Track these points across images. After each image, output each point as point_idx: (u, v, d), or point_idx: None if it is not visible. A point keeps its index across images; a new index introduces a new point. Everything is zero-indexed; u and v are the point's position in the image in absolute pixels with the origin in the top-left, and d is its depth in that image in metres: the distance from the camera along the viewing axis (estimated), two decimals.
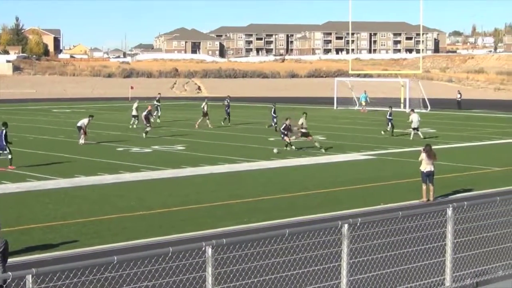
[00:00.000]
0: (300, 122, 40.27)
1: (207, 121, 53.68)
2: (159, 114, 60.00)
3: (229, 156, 36.51)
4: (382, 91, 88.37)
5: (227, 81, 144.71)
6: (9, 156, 31.62)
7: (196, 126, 53.12)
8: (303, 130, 40.38)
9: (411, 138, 45.62)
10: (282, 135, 39.17)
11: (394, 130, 48.91)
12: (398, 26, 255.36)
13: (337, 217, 19.43)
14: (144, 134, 45.49)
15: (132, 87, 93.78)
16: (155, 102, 60.56)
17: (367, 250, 13.63)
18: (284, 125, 39.14)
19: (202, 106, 54.39)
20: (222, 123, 55.95)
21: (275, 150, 37.94)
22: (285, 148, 38.84)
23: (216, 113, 61.20)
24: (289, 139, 38.99)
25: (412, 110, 48.13)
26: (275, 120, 50.73)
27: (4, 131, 31.69)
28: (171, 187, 27.84)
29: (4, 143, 31.51)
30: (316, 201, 24.87)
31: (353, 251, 12.06)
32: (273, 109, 52.15)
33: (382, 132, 49.15)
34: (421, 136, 45.36)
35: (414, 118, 45.64)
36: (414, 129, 45.89)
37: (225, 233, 19.01)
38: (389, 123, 49.04)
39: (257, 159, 35.64)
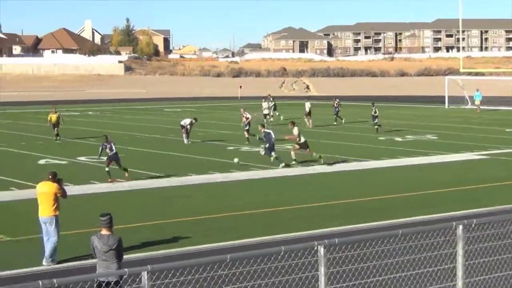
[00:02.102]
0: (295, 133, 33.77)
1: (310, 120, 53.40)
2: (277, 113, 59.96)
3: (342, 155, 36.20)
4: (495, 90, 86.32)
5: (336, 80, 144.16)
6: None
7: (310, 125, 52.91)
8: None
9: None
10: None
11: None
12: (510, 23, 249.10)
13: (451, 218, 19.01)
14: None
15: (240, 86, 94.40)
16: (270, 102, 60.13)
17: (482, 252, 13.24)
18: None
19: (305, 106, 54.28)
20: (335, 123, 55.49)
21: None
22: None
23: (322, 112, 60.92)
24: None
25: None
26: (376, 120, 49.90)
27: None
28: (280, 186, 27.83)
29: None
30: (428, 201, 24.41)
31: (468, 252, 11.73)
32: (374, 109, 51.05)
33: None
34: None
35: None
36: None
37: (333, 233, 18.85)
38: None
39: (367, 158, 35.25)
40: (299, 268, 11.65)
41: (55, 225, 16.44)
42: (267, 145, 32.82)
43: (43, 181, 17.05)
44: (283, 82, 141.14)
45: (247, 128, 42.80)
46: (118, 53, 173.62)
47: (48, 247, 16.34)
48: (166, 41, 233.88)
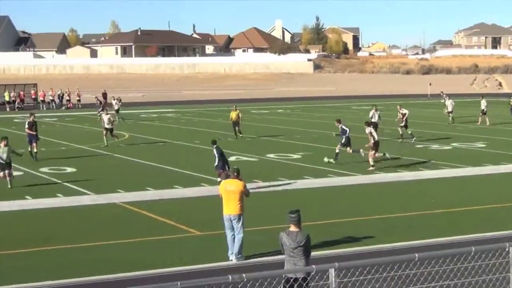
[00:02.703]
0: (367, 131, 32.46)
1: (486, 118, 51.68)
2: (448, 110, 58.46)
3: None
4: None
5: None
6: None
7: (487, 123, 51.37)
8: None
9: None
10: None
11: None
12: None
13: None
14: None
15: (430, 84, 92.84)
16: (444, 98, 58.84)
17: None
18: None
19: (480, 103, 52.77)
20: None
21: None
22: None
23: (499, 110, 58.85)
24: None
25: None
26: None
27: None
28: (469, 185, 27.18)
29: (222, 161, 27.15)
30: None
31: None
32: None
33: None
34: None
35: None
36: None
37: None
38: None
39: None
40: (489, 269, 11.32)
41: (241, 222, 16.77)
42: (342, 141, 32.69)
43: (228, 179, 17.28)
44: (475, 79, 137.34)
45: (402, 124, 42.04)
46: (307, 51, 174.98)
47: (236, 244, 16.68)
48: (356, 39, 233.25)
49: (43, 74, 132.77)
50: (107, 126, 40.59)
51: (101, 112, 58.63)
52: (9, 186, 27.25)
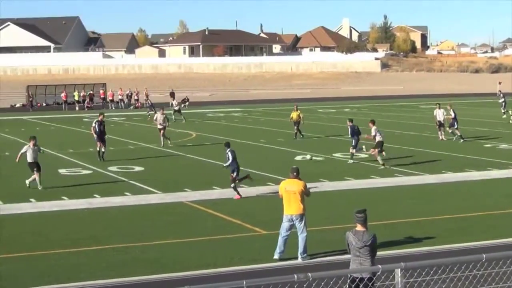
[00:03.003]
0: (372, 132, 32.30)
1: None
2: (504, 110, 57.67)
3: None
4: None
5: None
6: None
7: None
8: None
9: None
10: None
11: None
12: None
13: None
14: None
15: (500, 82, 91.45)
16: (501, 98, 58.16)
17: None
18: None
19: None
20: None
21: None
22: None
23: None
24: None
25: None
26: None
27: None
28: None
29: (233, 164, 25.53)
30: None
31: None
32: None
33: None
34: None
35: None
36: None
37: None
38: None
39: None
40: None
41: (304, 222, 16.66)
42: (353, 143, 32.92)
43: (288, 178, 16.98)
44: None
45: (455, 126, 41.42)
46: (375, 50, 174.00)
47: (300, 244, 16.59)
48: (424, 37, 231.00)
49: (112, 74, 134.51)
50: (160, 127, 40.76)
51: (150, 113, 59.47)
52: (39, 187, 26.90)
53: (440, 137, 41.17)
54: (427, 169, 30.52)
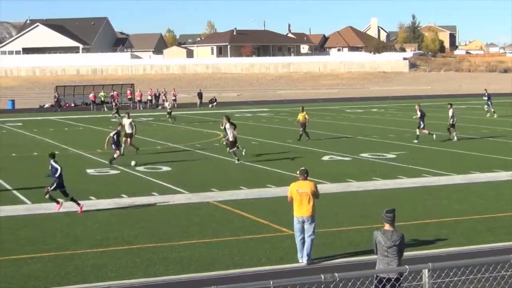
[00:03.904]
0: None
1: None
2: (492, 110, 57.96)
3: None
4: None
5: None
6: None
7: None
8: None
9: None
10: None
11: None
12: None
13: None
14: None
15: None
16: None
17: None
18: None
19: None
20: None
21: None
22: None
23: None
24: None
25: None
26: None
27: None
28: None
29: None
30: None
31: None
32: None
33: None
34: None
35: None
36: None
37: None
38: None
39: None
40: None
41: (314, 224, 16.53)
42: None
43: (298, 180, 16.81)
44: None
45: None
46: (403, 50, 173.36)
47: (308, 246, 16.43)
48: (452, 37, 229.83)
49: (140, 75, 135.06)
50: (128, 132, 37.53)
51: (115, 115, 60.73)
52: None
53: (454, 138, 40.90)
54: (454, 169, 30.31)
